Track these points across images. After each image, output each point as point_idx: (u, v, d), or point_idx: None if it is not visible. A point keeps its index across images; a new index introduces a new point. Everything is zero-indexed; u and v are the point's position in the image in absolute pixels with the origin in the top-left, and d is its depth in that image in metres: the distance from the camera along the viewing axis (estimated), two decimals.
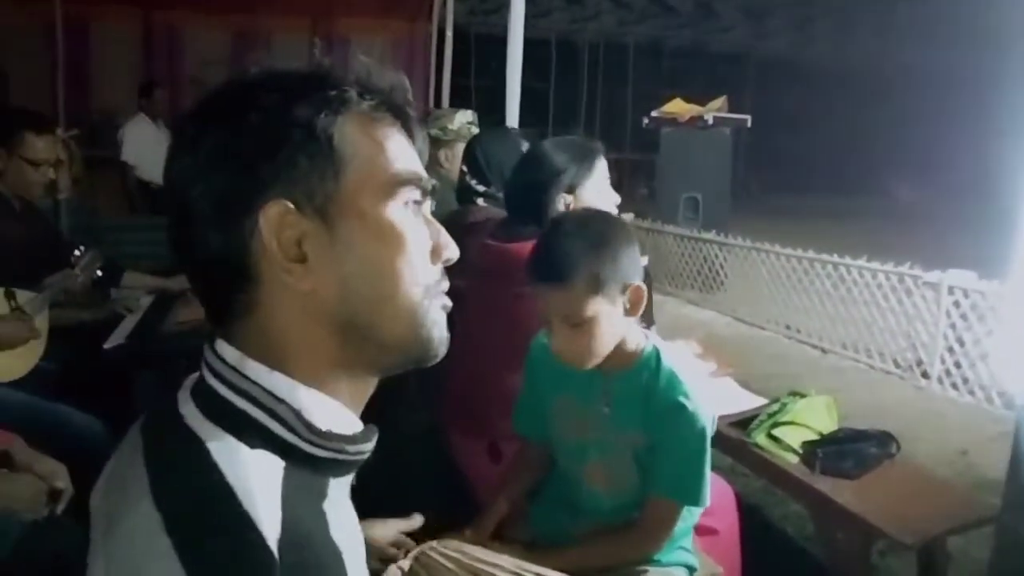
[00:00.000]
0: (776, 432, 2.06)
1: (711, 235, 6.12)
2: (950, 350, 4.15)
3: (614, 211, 1.82)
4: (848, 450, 1.98)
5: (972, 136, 11.05)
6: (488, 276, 1.79)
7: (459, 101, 5.37)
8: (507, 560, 1.21)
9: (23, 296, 2.22)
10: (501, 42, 3.88)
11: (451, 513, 1.46)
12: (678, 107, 6.94)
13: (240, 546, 0.52)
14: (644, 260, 1.35)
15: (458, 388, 1.87)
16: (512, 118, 3.75)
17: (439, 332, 0.67)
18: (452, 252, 0.69)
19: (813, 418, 2.11)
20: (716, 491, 1.46)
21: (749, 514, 1.97)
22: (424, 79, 5.90)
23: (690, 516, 1.43)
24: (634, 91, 14.74)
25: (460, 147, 2.76)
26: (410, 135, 0.68)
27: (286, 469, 0.58)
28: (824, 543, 2.20)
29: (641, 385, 1.34)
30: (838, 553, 2.01)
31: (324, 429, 0.61)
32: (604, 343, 1.29)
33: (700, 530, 1.54)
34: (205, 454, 0.57)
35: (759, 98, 13.39)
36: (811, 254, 5.12)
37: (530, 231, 1.60)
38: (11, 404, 2.00)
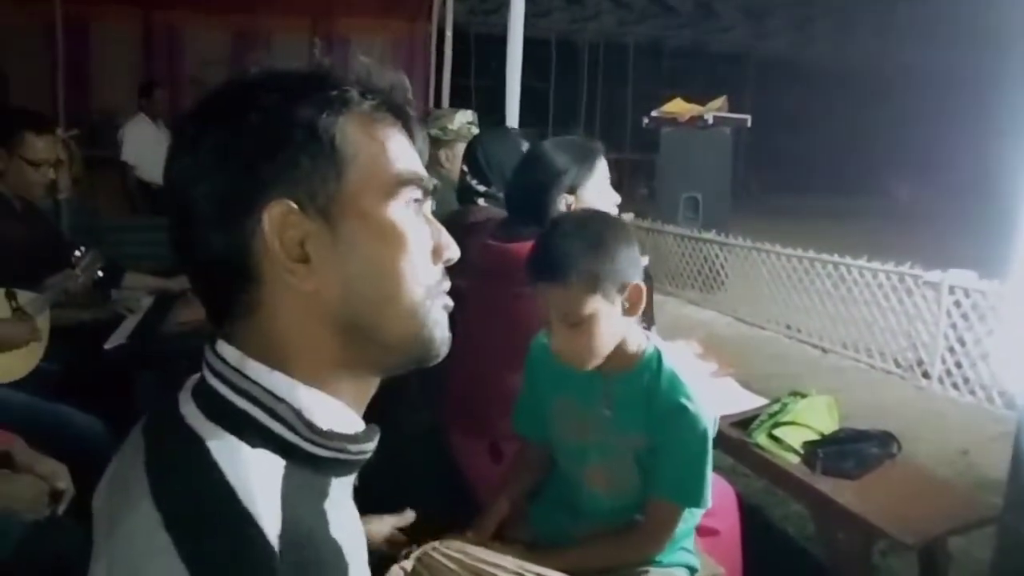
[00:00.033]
0: (777, 432, 2.06)
1: (711, 235, 6.12)
2: (951, 350, 4.15)
3: (614, 211, 1.82)
4: (849, 450, 1.98)
5: (972, 136, 11.04)
6: (489, 276, 1.79)
7: (459, 101, 5.37)
8: (510, 561, 1.21)
9: (24, 297, 2.21)
10: (501, 42, 3.88)
11: (452, 513, 1.46)
12: (678, 107, 6.94)
13: (240, 542, 0.52)
14: (644, 260, 1.35)
15: (459, 388, 1.87)
16: (512, 118, 3.75)
17: (441, 332, 0.67)
18: (453, 252, 0.69)
19: (814, 418, 2.11)
20: (717, 492, 1.45)
21: (750, 514, 1.97)
22: (424, 79, 5.89)
23: (692, 517, 1.43)
24: (634, 91, 14.73)
25: (460, 147, 2.76)
26: (410, 135, 0.68)
27: (287, 468, 0.58)
28: (825, 543, 2.20)
29: (642, 387, 1.33)
30: (839, 553, 2.01)
31: (325, 428, 0.61)
32: (603, 343, 1.29)
33: (701, 531, 1.54)
34: (205, 453, 0.57)
35: (759, 98, 13.39)
36: (811, 254, 5.11)
37: (531, 231, 1.59)
38: (12, 405, 2.00)
